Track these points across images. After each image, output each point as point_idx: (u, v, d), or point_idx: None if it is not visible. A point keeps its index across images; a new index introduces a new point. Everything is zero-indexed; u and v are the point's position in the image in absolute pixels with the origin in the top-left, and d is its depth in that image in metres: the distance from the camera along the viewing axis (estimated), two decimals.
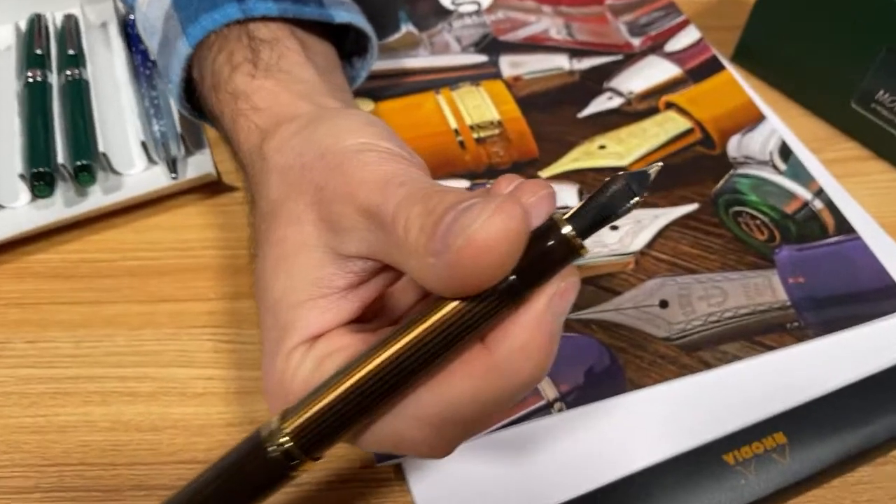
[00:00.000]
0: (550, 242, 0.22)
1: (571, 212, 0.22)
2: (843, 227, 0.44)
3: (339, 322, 0.28)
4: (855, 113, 0.49)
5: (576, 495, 0.34)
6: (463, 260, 0.21)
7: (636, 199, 0.22)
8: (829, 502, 0.36)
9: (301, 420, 0.24)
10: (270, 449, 0.24)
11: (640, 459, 0.35)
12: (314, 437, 0.24)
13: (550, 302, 0.23)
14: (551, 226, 0.22)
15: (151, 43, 0.40)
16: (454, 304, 0.22)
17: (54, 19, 0.55)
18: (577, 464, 0.35)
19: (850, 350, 0.39)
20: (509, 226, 0.20)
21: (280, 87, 0.34)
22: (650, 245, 0.43)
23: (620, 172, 0.22)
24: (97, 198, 0.45)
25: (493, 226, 0.20)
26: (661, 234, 0.43)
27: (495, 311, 0.22)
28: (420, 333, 0.23)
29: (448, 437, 0.25)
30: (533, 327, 0.23)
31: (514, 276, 0.22)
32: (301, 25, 0.38)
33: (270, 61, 0.35)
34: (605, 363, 0.38)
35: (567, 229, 0.21)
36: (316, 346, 0.27)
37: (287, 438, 0.24)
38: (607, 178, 0.22)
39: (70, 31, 0.53)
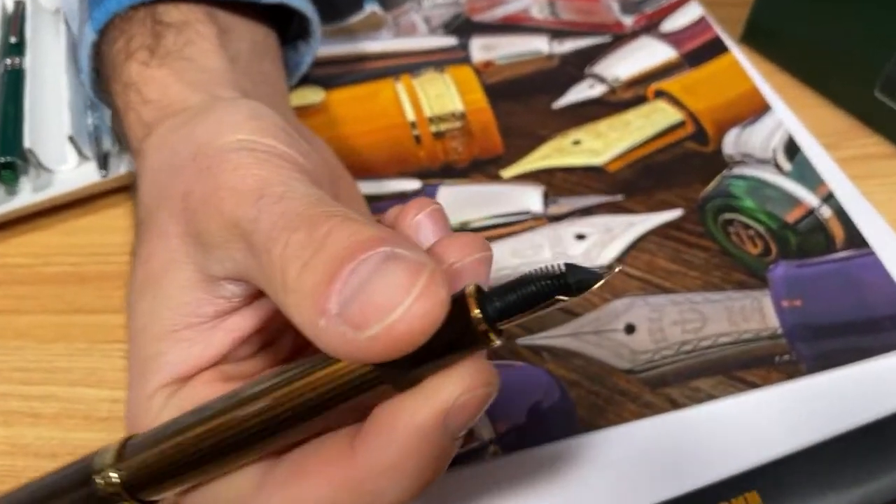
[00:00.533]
0: (453, 324, 0.17)
1: (492, 288, 0.18)
2: (855, 239, 0.37)
3: (207, 359, 0.24)
4: (879, 102, 0.41)
5: None
6: (370, 346, 0.17)
7: (564, 299, 0.18)
8: None
9: (135, 461, 0.22)
10: (97, 480, 0.22)
11: None
12: (144, 480, 0.22)
13: (444, 417, 0.19)
14: (460, 301, 0.18)
15: (73, 29, 0.36)
16: (318, 372, 0.19)
17: (4, 6, 0.52)
18: None
19: (851, 391, 0.32)
20: (433, 314, 0.17)
21: (174, 76, 0.29)
22: (621, 258, 0.37)
23: (566, 265, 0.18)
24: (25, 196, 0.42)
25: (415, 315, 0.17)
26: (634, 246, 0.37)
27: (370, 384, 0.19)
28: (273, 398, 0.20)
29: None
30: (411, 445, 0.19)
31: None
32: (228, 7, 0.33)
33: (173, 48, 0.30)
34: (555, 399, 0.33)
35: (476, 313, 0.18)
36: (179, 395, 0.23)
37: (116, 475, 0.22)
38: (548, 267, 0.18)
39: (16, 17, 0.50)
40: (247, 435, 0.20)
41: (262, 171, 0.22)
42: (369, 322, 0.17)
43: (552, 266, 0.18)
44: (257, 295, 0.23)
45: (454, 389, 0.18)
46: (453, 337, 0.18)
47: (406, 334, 0.17)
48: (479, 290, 0.18)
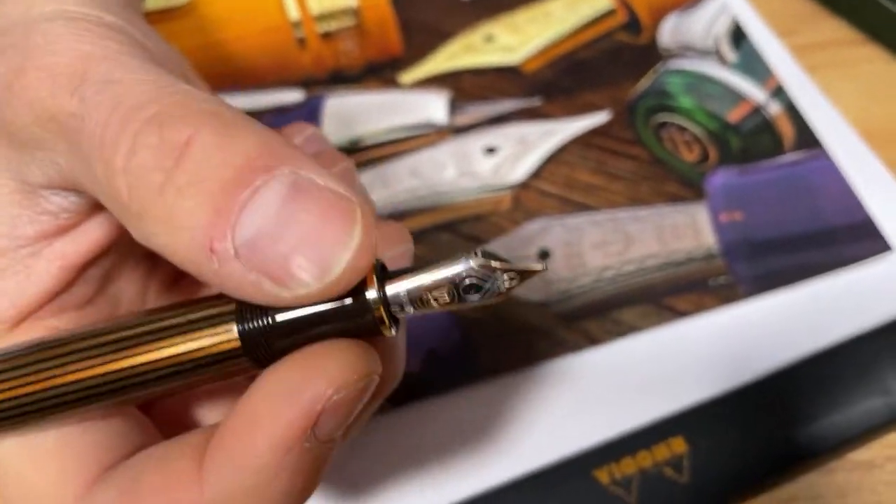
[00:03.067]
0: (345, 303, 0.14)
1: (395, 270, 0.15)
2: (806, 139, 0.32)
3: (30, 299, 0.18)
4: None
5: None
6: (294, 300, 0.14)
7: (476, 299, 0.15)
8: None
9: None
10: None
11: (486, 476, 0.25)
12: None
13: (313, 422, 0.14)
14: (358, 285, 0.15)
15: None
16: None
17: None
18: (400, 482, 0.26)
19: (797, 317, 0.28)
20: (362, 272, 0.14)
21: None
22: (537, 174, 0.32)
23: (484, 252, 0.15)
24: None
25: (354, 270, 0.14)
26: (552, 159, 0.32)
27: (229, 357, 0.15)
28: (101, 357, 0.15)
29: None
30: (272, 463, 0.14)
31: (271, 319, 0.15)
32: None
33: None
34: (454, 343, 0.28)
35: (372, 294, 0.14)
36: (9, 339, 0.18)
37: None
38: (466, 253, 0.15)
39: None
40: (56, 397, 0.15)
41: (83, 44, 0.16)
42: (292, 274, 0.14)
43: (457, 255, 0.15)
44: (96, 209, 0.18)
45: (325, 387, 0.14)
46: (341, 319, 0.14)
47: (337, 292, 0.14)
48: (383, 268, 0.15)
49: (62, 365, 0.15)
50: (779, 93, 0.33)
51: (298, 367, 0.14)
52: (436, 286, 0.14)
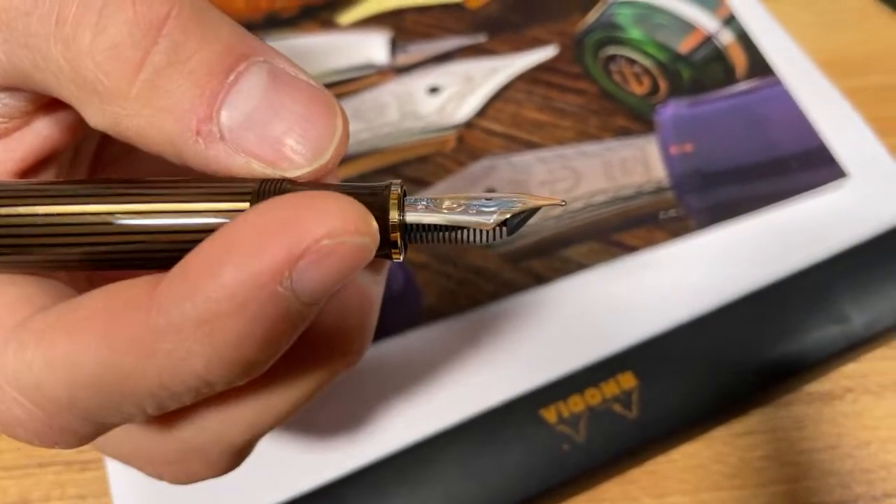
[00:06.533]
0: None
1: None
2: (759, 67, 0.31)
3: None
4: None
5: (337, 476, 0.24)
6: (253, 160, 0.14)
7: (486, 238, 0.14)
8: (709, 461, 0.25)
9: None
10: None
11: (432, 420, 0.25)
12: None
13: (293, 264, 0.12)
14: (380, 197, 0.14)
15: None
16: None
17: None
18: (344, 428, 0.25)
19: (749, 248, 0.27)
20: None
21: None
22: (482, 113, 0.30)
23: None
24: None
25: (336, 156, 0.14)
26: (498, 96, 0.31)
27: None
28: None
29: (55, 417, 0.14)
30: (236, 297, 0.12)
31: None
32: None
33: None
34: (398, 286, 0.27)
35: (394, 216, 0.14)
36: None
37: None
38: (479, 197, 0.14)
39: None
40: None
41: None
42: (284, 156, 0.14)
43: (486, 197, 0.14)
44: (33, 113, 0.16)
45: (317, 225, 0.12)
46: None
47: (323, 176, 0.14)
48: (404, 191, 0.15)
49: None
50: (730, 21, 0.32)
51: (293, 202, 0.13)
52: (454, 206, 0.14)
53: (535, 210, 0.14)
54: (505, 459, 0.23)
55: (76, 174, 0.18)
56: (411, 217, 0.14)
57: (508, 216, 0.14)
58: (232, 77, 0.14)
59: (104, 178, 0.15)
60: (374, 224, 0.13)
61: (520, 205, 0.14)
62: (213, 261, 0.12)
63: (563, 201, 0.14)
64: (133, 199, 0.13)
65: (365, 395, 0.25)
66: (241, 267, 0.12)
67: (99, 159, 0.19)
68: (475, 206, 0.14)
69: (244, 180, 0.14)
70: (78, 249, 0.14)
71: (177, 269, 0.13)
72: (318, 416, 0.24)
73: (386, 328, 0.26)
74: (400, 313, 0.26)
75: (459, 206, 0.14)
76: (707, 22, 0.32)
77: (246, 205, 0.13)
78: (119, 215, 0.13)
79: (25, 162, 0.16)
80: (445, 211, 0.14)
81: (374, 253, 0.13)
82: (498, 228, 0.14)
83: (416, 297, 0.26)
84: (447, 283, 0.27)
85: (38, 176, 0.17)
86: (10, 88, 0.15)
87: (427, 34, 0.32)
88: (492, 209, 0.14)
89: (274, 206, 0.12)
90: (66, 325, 0.13)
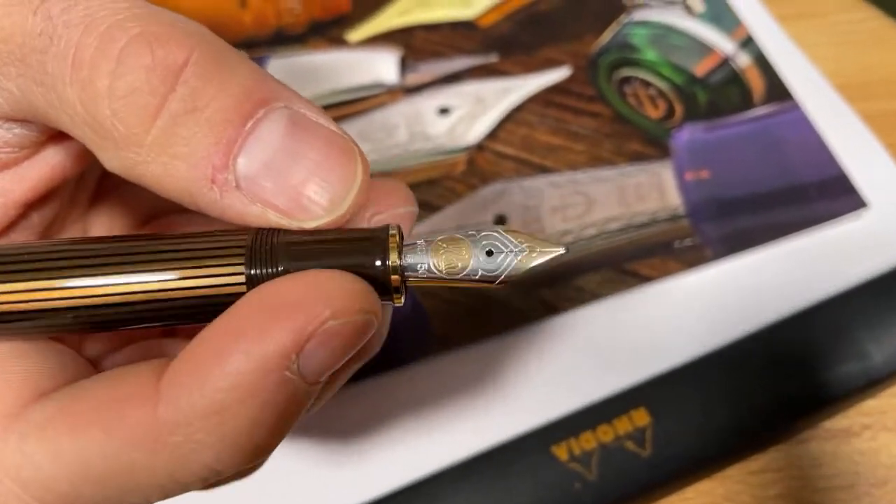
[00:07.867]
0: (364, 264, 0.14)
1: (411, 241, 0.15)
2: (777, 91, 0.30)
3: None
4: None
5: None
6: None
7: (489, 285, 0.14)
8: (723, 500, 0.25)
9: None
10: None
11: (441, 454, 0.24)
12: None
13: (298, 349, 0.12)
14: (379, 240, 0.14)
15: None
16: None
17: None
18: (355, 460, 0.24)
19: (766, 279, 0.26)
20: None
21: None
22: (493, 135, 0.30)
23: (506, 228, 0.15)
24: None
25: (356, 206, 0.14)
26: (510, 118, 0.30)
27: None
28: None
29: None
30: (243, 386, 0.12)
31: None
32: None
33: None
34: (404, 313, 0.26)
35: (393, 259, 0.14)
36: None
37: None
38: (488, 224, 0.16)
39: None
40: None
41: None
42: (302, 206, 0.14)
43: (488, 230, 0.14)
44: (42, 144, 0.16)
45: (322, 308, 0.12)
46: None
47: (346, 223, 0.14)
48: (401, 234, 0.15)
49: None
50: (748, 43, 0.31)
51: (296, 283, 0.13)
52: (456, 248, 0.14)
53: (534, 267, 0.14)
54: (515, 498, 0.23)
55: (80, 199, 0.18)
56: (410, 260, 0.14)
57: (505, 278, 0.14)
58: (250, 124, 0.13)
59: (96, 238, 0.14)
60: (378, 300, 0.13)
61: (521, 262, 0.14)
62: (219, 348, 0.12)
63: (567, 249, 0.14)
64: (124, 267, 0.13)
65: (371, 428, 0.24)
66: (250, 354, 0.12)
67: (102, 185, 0.18)
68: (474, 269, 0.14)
69: (239, 232, 0.14)
70: (71, 314, 0.13)
71: (183, 357, 0.12)
72: (323, 451, 0.24)
73: (397, 358, 0.25)
74: (409, 343, 0.26)
75: (459, 265, 0.14)
76: (724, 44, 0.31)
77: (241, 268, 0.13)
78: (111, 286, 0.13)
79: (35, 192, 0.16)
80: (446, 276, 0.14)
81: (377, 326, 0.13)
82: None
83: (424, 324, 0.26)
84: (455, 310, 0.26)
85: (45, 205, 0.17)
86: (21, 120, 0.15)
87: (437, 53, 0.32)
88: (494, 273, 0.14)
89: (278, 289, 0.12)
90: (69, 418, 0.13)
